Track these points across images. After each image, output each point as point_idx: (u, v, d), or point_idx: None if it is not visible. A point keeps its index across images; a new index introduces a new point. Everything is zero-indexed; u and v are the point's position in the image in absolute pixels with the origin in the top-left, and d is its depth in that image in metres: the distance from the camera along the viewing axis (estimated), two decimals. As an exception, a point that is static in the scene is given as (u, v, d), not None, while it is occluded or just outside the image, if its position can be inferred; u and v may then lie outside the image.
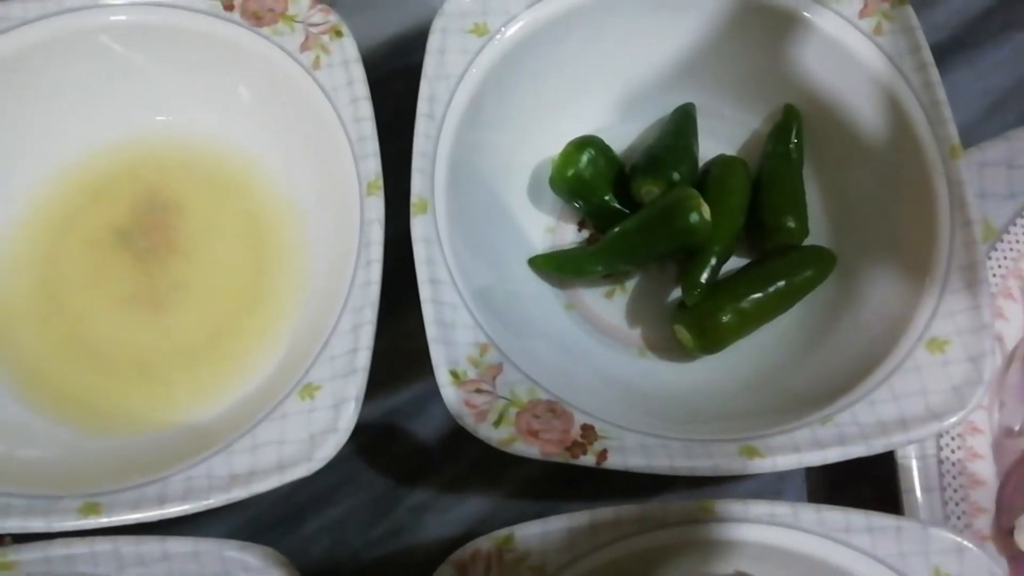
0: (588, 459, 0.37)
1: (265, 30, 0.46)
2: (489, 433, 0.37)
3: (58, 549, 0.36)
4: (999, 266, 0.46)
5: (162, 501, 0.36)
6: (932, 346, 0.39)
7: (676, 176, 0.45)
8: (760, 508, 0.36)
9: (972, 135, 0.47)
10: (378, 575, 0.43)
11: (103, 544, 0.36)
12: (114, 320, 0.46)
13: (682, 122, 0.49)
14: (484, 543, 0.36)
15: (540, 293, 0.47)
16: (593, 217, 0.49)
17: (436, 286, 0.40)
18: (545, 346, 0.43)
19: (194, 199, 0.49)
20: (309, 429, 0.38)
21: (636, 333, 0.47)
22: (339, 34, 0.45)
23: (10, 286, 0.47)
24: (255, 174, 0.49)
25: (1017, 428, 0.43)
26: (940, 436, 0.42)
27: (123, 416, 0.44)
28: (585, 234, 0.49)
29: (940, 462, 0.41)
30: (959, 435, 0.42)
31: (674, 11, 0.48)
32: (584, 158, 0.46)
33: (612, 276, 0.48)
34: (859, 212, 0.47)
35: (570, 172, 0.47)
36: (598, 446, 0.37)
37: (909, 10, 0.45)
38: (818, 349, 0.44)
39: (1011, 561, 0.41)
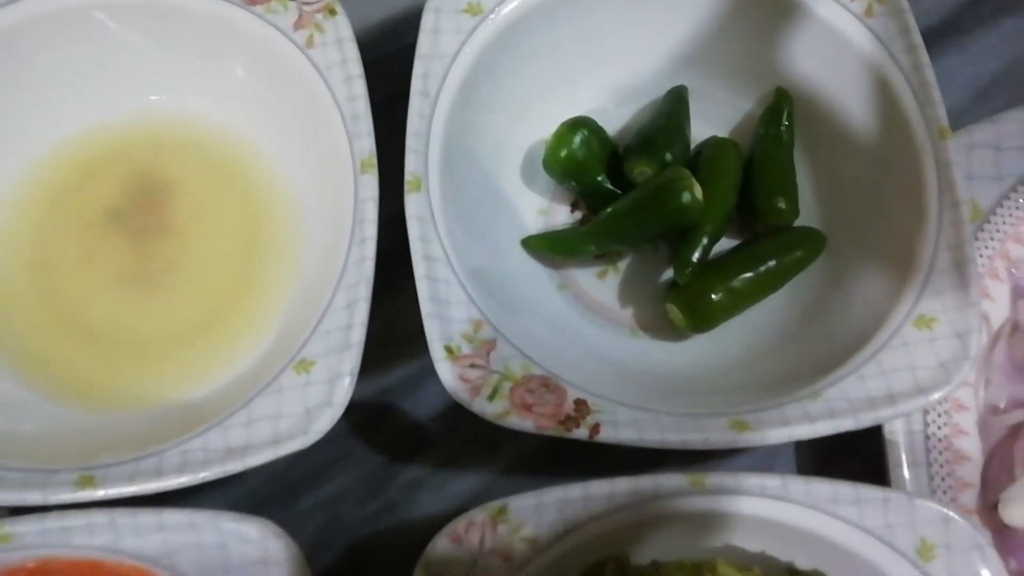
0: (581, 432, 0.37)
1: (259, 8, 0.46)
2: (483, 407, 0.38)
3: (54, 521, 0.37)
4: (986, 247, 0.46)
5: (159, 474, 0.37)
6: (920, 323, 0.40)
7: (668, 156, 0.46)
8: (750, 480, 0.37)
9: (961, 120, 0.48)
10: (373, 550, 0.44)
11: (99, 516, 0.37)
12: (108, 299, 0.47)
13: (675, 104, 0.50)
14: (478, 514, 0.36)
15: (533, 273, 0.47)
16: (586, 198, 0.49)
17: (430, 263, 0.41)
18: (538, 324, 0.44)
19: (188, 179, 0.49)
20: (305, 403, 0.38)
21: (628, 313, 0.47)
22: (332, 12, 0.45)
23: (3, 266, 0.47)
24: (249, 154, 0.49)
25: (1002, 406, 0.43)
26: (927, 412, 0.42)
27: (119, 394, 0.44)
28: (578, 215, 0.50)
29: (927, 438, 0.42)
30: (945, 412, 0.43)
31: (668, -6, 0.49)
32: (577, 139, 0.47)
33: (605, 256, 0.48)
34: (849, 193, 0.47)
35: (563, 153, 0.47)
36: (591, 420, 0.38)
37: (899, -8, 0.46)
38: (808, 328, 0.45)
39: (996, 535, 0.41)
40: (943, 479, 0.42)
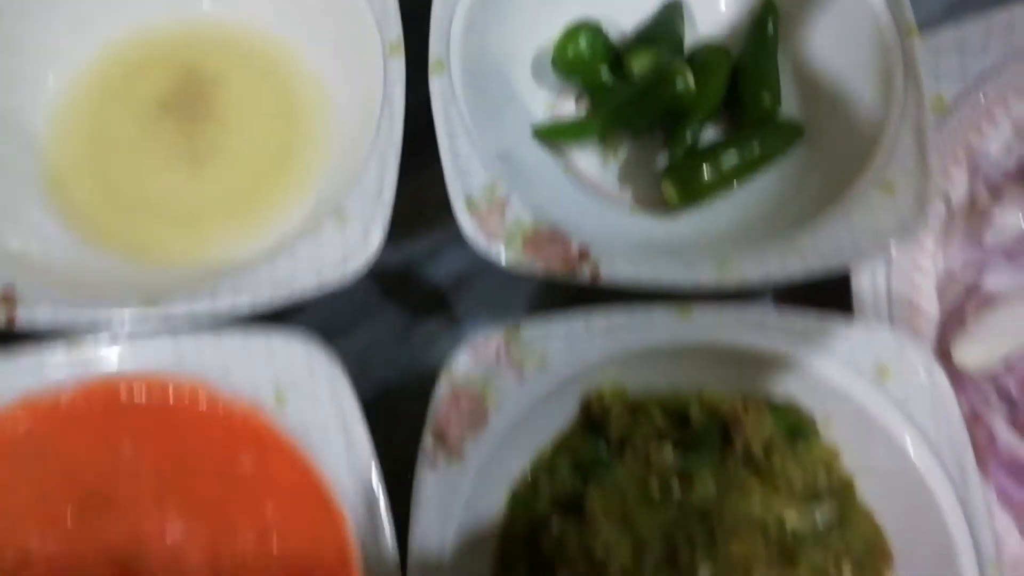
0: (583, 273, 0.43)
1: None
2: (499, 254, 0.43)
3: (124, 343, 0.42)
4: (949, 136, 0.52)
5: (213, 299, 0.42)
6: (884, 188, 0.45)
7: (664, 50, 0.51)
8: (730, 312, 0.42)
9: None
10: (398, 396, 0.49)
11: (164, 339, 0.42)
12: (160, 176, 0.52)
13: (671, 12, 0.55)
14: (494, 334, 0.41)
15: (541, 158, 0.53)
16: (590, 93, 0.54)
17: (452, 138, 0.46)
18: (547, 194, 0.49)
19: (229, 73, 0.54)
20: (343, 249, 0.43)
21: (627, 193, 0.53)
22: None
23: (63, 151, 0.52)
24: (285, 48, 0.54)
25: (958, 270, 0.49)
26: (890, 274, 0.48)
27: (174, 254, 0.49)
28: (582, 110, 0.55)
29: (889, 292, 0.47)
30: (907, 272, 0.48)
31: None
32: (583, 39, 0.52)
33: (607, 143, 0.53)
34: (824, 89, 0.52)
35: (570, 51, 0.52)
36: (592, 263, 0.43)
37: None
38: (787, 203, 0.50)
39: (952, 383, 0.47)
40: (903, 332, 0.47)
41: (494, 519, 0.45)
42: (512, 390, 0.42)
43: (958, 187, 0.51)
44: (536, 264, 0.43)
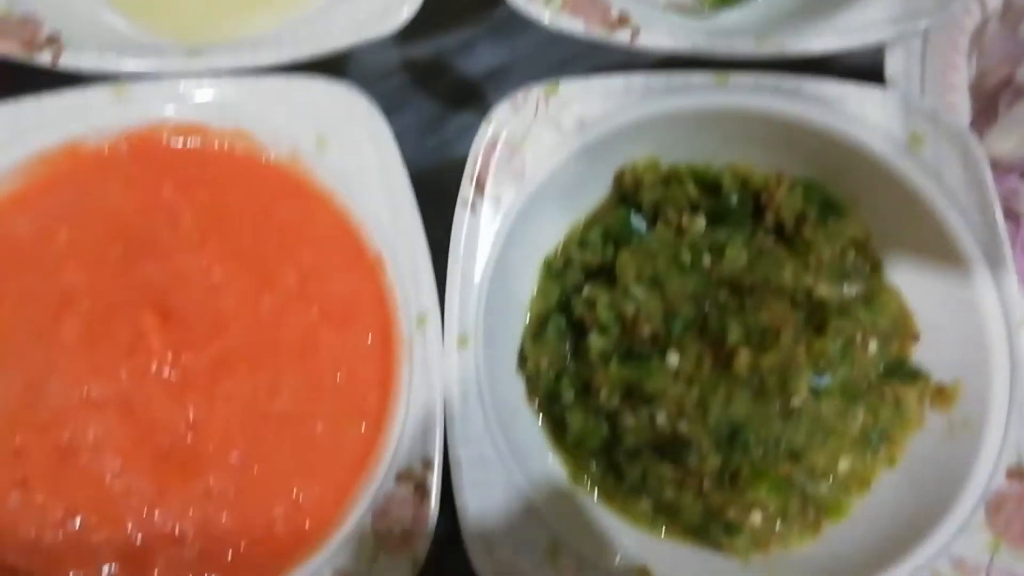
0: (623, 35, 0.43)
1: None
2: (540, 12, 0.43)
3: (167, 83, 0.43)
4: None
5: (255, 51, 0.42)
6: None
7: None
8: (767, 79, 0.43)
9: None
10: (432, 183, 0.50)
11: (205, 82, 0.43)
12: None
13: None
14: (535, 87, 0.42)
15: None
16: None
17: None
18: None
19: None
20: (383, 4, 0.43)
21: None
22: None
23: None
24: None
25: (993, 68, 0.49)
26: (924, 60, 0.48)
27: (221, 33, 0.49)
28: None
29: (923, 77, 0.47)
30: (940, 70, 0.48)
31: None
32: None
33: None
34: None
35: None
36: (633, 27, 0.43)
37: None
38: None
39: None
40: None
41: (527, 288, 0.46)
42: (550, 145, 0.42)
43: (994, -8, 0.51)
44: (576, 24, 0.43)
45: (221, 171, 0.43)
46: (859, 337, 0.44)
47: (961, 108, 0.48)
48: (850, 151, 0.43)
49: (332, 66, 0.44)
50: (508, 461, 0.41)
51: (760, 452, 0.44)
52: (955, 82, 0.49)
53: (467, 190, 0.41)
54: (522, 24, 0.43)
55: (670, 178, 0.45)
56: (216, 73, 0.43)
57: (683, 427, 0.42)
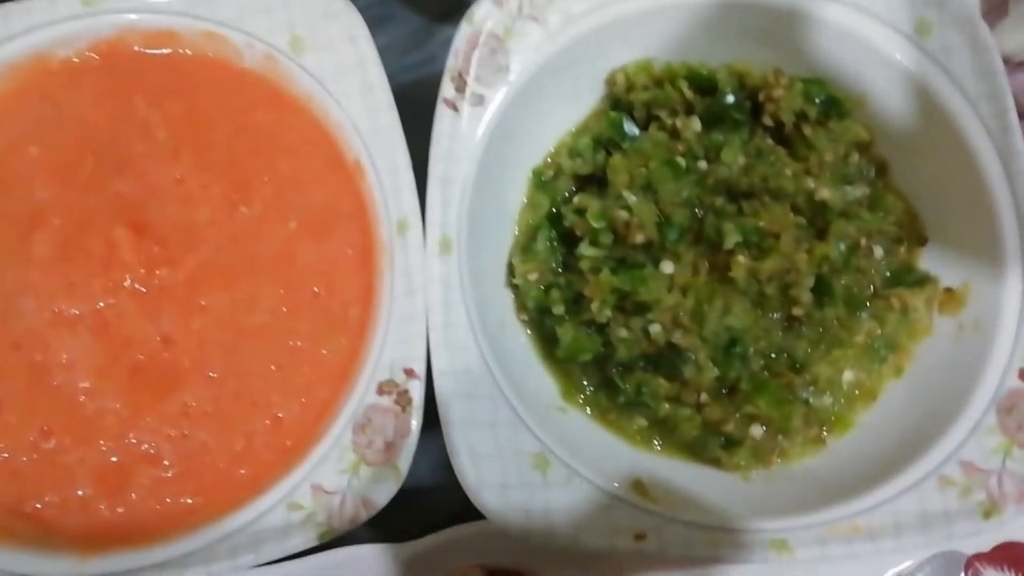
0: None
1: None
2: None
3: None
4: None
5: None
6: None
7: None
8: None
9: None
10: (417, 98, 0.48)
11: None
12: None
13: None
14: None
15: None
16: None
17: None
18: None
19: None
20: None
21: None
22: None
23: None
24: None
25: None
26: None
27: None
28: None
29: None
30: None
31: None
32: None
33: None
34: None
35: None
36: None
37: None
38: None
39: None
40: None
41: (515, 200, 0.44)
42: (535, 42, 0.40)
43: None
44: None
45: (194, 79, 0.41)
46: (863, 241, 0.42)
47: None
48: (852, 42, 0.41)
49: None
50: (495, 372, 0.39)
51: (760, 363, 0.42)
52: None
53: (448, 88, 0.39)
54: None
55: (663, 79, 0.43)
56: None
57: (679, 338, 0.40)
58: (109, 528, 0.39)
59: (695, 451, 0.42)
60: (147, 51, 0.42)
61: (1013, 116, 0.39)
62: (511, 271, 0.43)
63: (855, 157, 0.43)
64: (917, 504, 0.37)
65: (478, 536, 0.43)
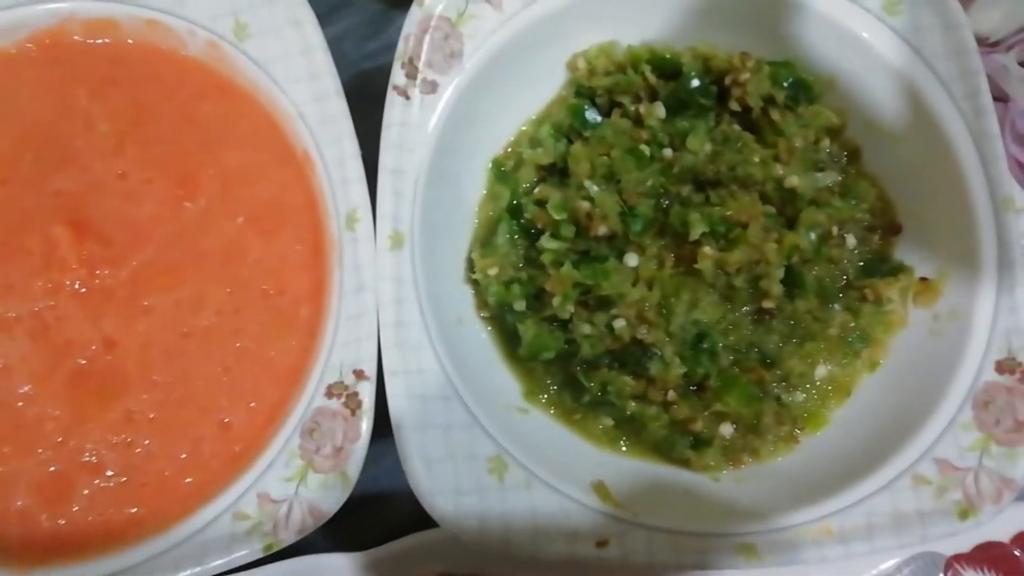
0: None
1: None
2: None
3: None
4: None
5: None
6: None
7: None
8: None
9: None
10: (374, 84, 0.46)
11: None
12: None
13: None
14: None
15: None
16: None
17: None
18: None
19: None
20: None
21: None
22: None
23: None
24: None
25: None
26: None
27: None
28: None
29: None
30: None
31: None
32: None
33: None
34: None
35: None
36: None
37: None
38: None
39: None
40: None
41: (474, 192, 0.42)
42: (491, 25, 0.38)
43: None
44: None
45: (137, 69, 0.40)
46: (835, 230, 0.40)
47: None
48: (819, 21, 0.39)
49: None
50: (450, 372, 0.37)
51: (729, 359, 0.40)
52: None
53: (398, 75, 0.38)
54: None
55: (625, 64, 0.41)
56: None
57: (644, 334, 0.39)
58: (50, 540, 0.37)
59: (663, 452, 0.40)
60: (88, 41, 0.40)
61: (987, 98, 0.37)
62: (470, 266, 0.41)
63: (826, 143, 0.42)
64: (890, 505, 0.35)
65: (439, 543, 0.42)
